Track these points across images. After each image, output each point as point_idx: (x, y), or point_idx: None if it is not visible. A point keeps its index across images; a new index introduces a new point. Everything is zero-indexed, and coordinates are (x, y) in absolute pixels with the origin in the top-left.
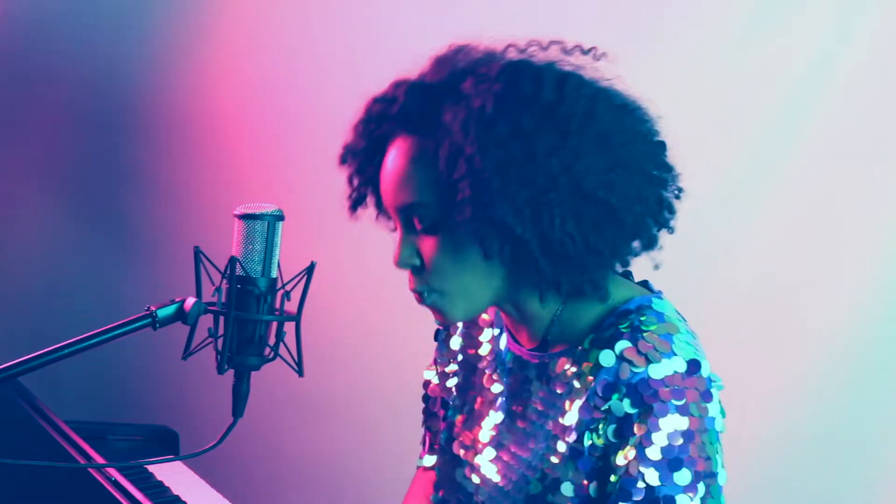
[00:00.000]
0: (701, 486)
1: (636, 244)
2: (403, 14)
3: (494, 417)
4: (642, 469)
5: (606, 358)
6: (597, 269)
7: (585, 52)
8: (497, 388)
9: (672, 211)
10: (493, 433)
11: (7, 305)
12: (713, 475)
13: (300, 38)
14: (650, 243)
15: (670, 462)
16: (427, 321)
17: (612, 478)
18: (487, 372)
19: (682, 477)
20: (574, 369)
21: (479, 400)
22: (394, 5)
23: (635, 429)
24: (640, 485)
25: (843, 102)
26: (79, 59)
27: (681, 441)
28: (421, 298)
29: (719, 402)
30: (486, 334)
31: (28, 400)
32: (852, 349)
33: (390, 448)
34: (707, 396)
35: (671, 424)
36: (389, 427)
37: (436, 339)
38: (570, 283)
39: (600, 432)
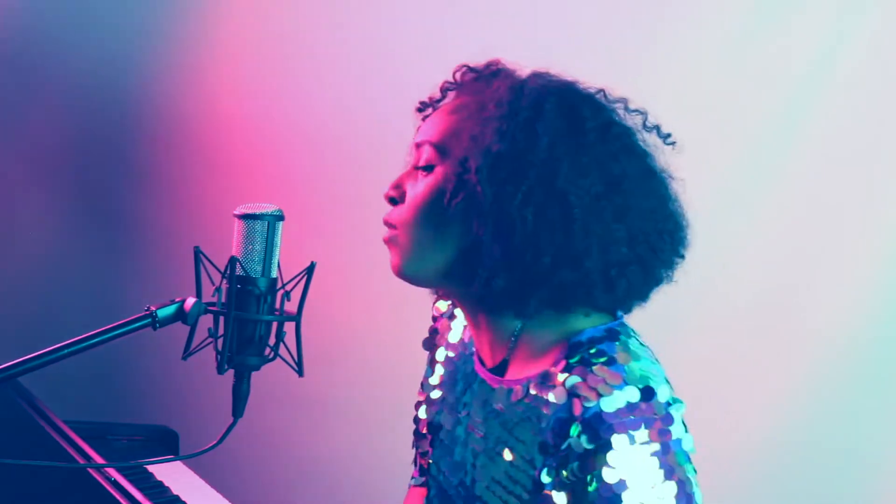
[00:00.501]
0: None
1: (576, 279)
2: (403, 15)
3: (462, 440)
4: (611, 502)
5: (558, 395)
6: (530, 282)
7: (661, 135)
8: (463, 409)
9: (635, 291)
10: (462, 460)
11: (7, 305)
12: (690, 496)
13: (300, 39)
14: (591, 291)
15: (642, 491)
16: (427, 320)
17: None
18: (461, 394)
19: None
20: (527, 402)
21: (450, 423)
22: (393, 7)
23: (596, 465)
24: None
25: (843, 103)
26: (79, 60)
27: (648, 468)
28: (387, 235)
29: (683, 422)
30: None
31: (28, 400)
32: (852, 350)
33: (390, 448)
34: (667, 420)
35: (634, 454)
36: (389, 427)
37: (425, 347)
38: (502, 281)
39: (565, 469)
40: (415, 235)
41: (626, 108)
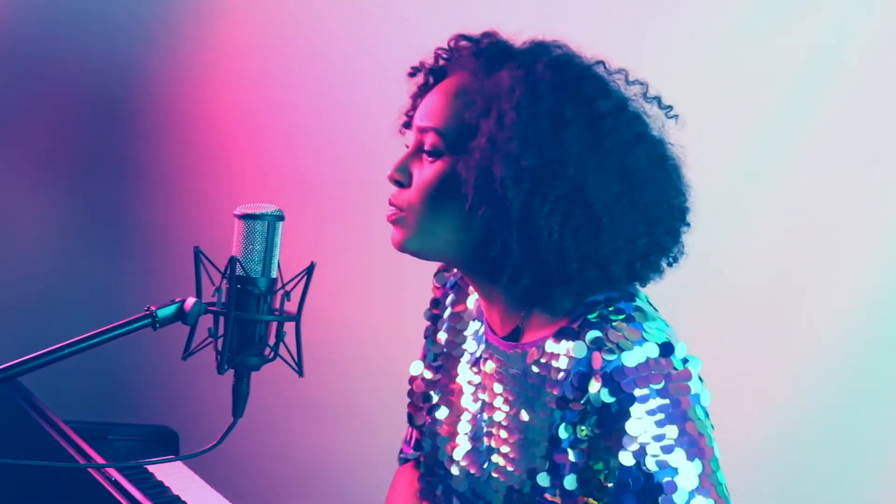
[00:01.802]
0: (698, 463)
1: (600, 276)
2: (403, 15)
3: (471, 409)
4: (635, 457)
5: (578, 349)
6: (554, 280)
7: (663, 107)
8: (476, 379)
9: (654, 271)
10: (470, 426)
11: (7, 305)
12: (710, 450)
13: (300, 39)
14: (616, 283)
15: (663, 446)
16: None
17: (597, 465)
18: (468, 365)
19: (677, 458)
20: (544, 360)
21: (457, 392)
22: (393, 6)
23: (619, 419)
24: (637, 473)
25: (844, 102)
26: (78, 59)
27: (668, 423)
28: (392, 215)
29: (700, 378)
30: (471, 328)
31: (28, 400)
32: (853, 349)
33: (390, 448)
34: (685, 375)
35: (655, 408)
36: (389, 427)
37: (426, 335)
38: (529, 280)
39: (584, 426)
40: (423, 219)
41: (627, 80)
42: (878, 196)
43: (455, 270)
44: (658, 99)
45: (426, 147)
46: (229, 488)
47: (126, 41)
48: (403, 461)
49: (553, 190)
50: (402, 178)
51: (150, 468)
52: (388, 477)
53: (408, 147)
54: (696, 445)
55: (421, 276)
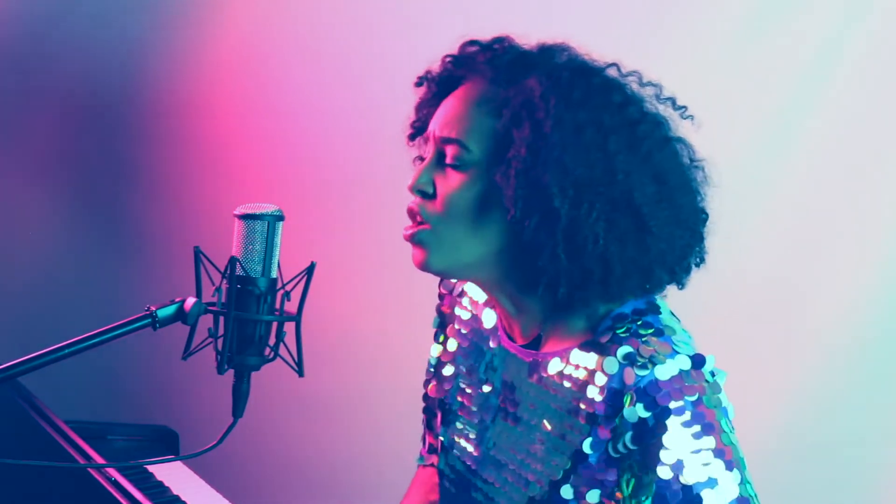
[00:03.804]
0: (736, 474)
1: (643, 280)
2: (402, 15)
3: (487, 417)
4: (673, 470)
5: (609, 365)
6: (596, 288)
7: (677, 108)
8: (487, 387)
9: (688, 272)
10: (487, 433)
11: (7, 305)
12: (740, 460)
13: (300, 39)
14: (656, 286)
15: (701, 458)
16: (427, 320)
17: (628, 486)
18: (482, 372)
19: (716, 469)
20: (569, 372)
21: (472, 398)
22: (393, 7)
23: (657, 431)
24: (676, 486)
25: (844, 102)
26: (78, 60)
27: (704, 435)
28: (412, 231)
29: (724, 392)
30: (483, 336)
31: (28, 400)
32: (853, 350)
33: (390, 448)
34: (716, 388)
35: (690, 420)
36: (389, 427)
37: (436, 325)
38: (567, 288)
39: (618, 443)
40: (451, 233)
41: (640, 82)
42: (878, 196)
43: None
44: (672, 100)
45: (448, 158)
46: (229, 488)
47: (126, 41)
48: (421, 461)
49: (599, 197)
50: (427, 189)
51: (150, 468)
52: (388, 476)
53: (423, 157)
54: (730, 457)
55: (421, 275)
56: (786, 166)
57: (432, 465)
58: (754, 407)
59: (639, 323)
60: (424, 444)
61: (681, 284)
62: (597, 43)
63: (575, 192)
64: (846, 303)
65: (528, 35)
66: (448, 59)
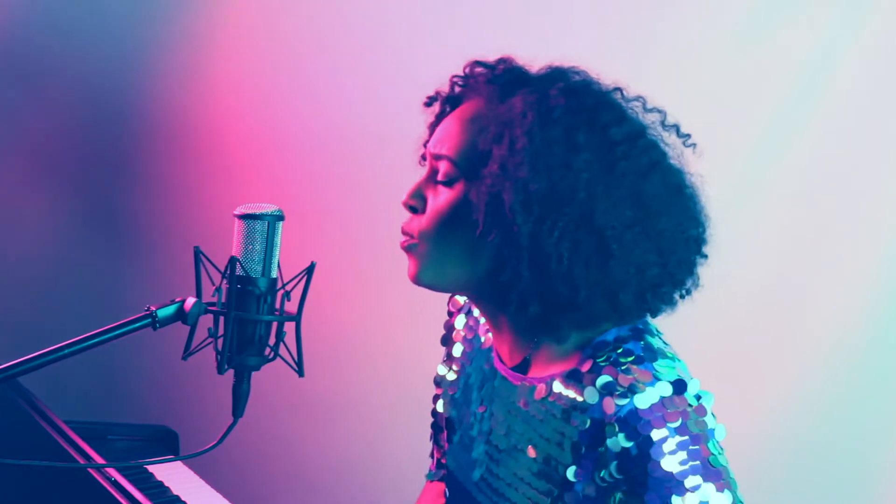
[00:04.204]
0: (728, 494)
1: (609, 305)
2: (402, 16)
3: (481, 438)
4: (662, 498)
5: (590, 395)
6: (563, 309)
7: (681, 135)
8: (482, 408)
9: (665, 302)
10: (481, 456)
11: (7, 305)
12: (731, 482)
13: (300, 40)
14: (623, 315)
15: (688, 483)
16: (427, 320)
17: None
18: (478, 392)
19: (706, 492)
20: (553, 400)
21: (467, 419)
22: (392, 8)
23: (640, 461)
24: None
25: (844, 102)
26: (79, 60)
27: (691, 460)
28: (402, 245)
29: (713, 414)
30: (482, 355)
31: (28, 400)
32: (853, 351)
33: (390, 448)
34: (700, 411)
35: (675, 447)
36: (390, 427)
37: (443, 343)
38: (537, 307)
39: (602, 472)
40: (435, 248)
41: (644, 107)
42: (878, 196)
43: None
44: (676, 127)
45: (440, 174)
46: (229, 488)
47: (126, 41)
48: (430, 477)
49: (562, 216)
50: (416, 204)
51: (150, 468)
52: (388, 477)
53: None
54: (720, 478)
55: None
56: (784, 167)
57: (441, 479)
58: (754, 408)
59: (619, 351)
60: (433, 459)
61: (654, 313)
62: (598, 43)
63: (539, 208)
64: (846, 303)
65: (530, 36)
66: (454, 79)
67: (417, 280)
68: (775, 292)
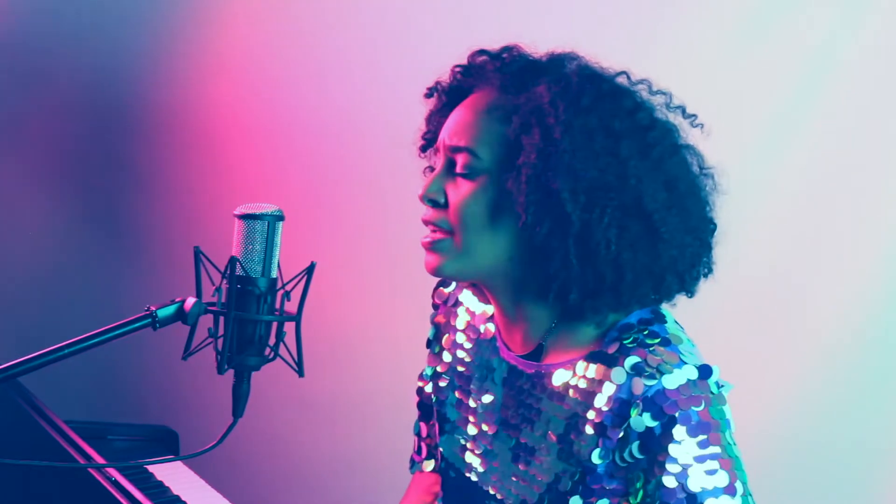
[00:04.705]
0: (739, 485)
1: (654, 287)
2: (402, 16)
3: (489, 429)
4: (679, 479)
5: (617, 375)
6: (607, 295)
7: (687, 116)
8: (488, 398)
9: (697, 280)
10: (489, 447)
11: (7, 305)
12: (743, 474)
13: (300, 40)
14: (665, 294)
15: (705, 467)
16: (427, 320)
17: (636, 496)
18: (480, 383)
19: (720, 479)
20: (575, 382)
21: (473, 410)
22: (392, 8)
23: (663, 441)
24: (681, 494)
25: (844, 101)
26: (79, 60)
27: (710, 444)
28: (430, 240)
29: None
30: (480, 345)
31: (28, 400)
32: (853, 349)
33: (390, 448)
34: (721, 399)
35: (697, 430)
36: (390, 427)
37: (429, 346)
38: (578, 294)
39: (624, 452)
40: (466, 240)
41: (650, 90)
42: (878, 195)
43: (454, 286)
44: (682, 108)
45: (458, 167)
46: (229, 488)
47: (126, 41)
48: (415, 468)
49: (611, 202)
50: (438, 198)
51: (150, 468)
52: (388, 476)
53: (433, 167)
54: (734, 468)
55: (420, 276)
56: (785, 166)
57: (430, 470)
58: (754, 407)
59: (645, 333)
60: (418, 450)
61: (690, 293)
62: (597, 42)
63: (587, 197)
64: (846, 303)
65: (530, 35)
66: (457, 69)
67: (439, 272)
68: (775, 292)
